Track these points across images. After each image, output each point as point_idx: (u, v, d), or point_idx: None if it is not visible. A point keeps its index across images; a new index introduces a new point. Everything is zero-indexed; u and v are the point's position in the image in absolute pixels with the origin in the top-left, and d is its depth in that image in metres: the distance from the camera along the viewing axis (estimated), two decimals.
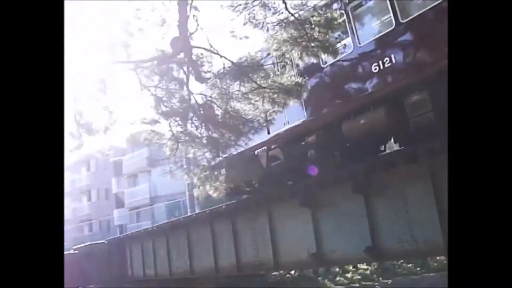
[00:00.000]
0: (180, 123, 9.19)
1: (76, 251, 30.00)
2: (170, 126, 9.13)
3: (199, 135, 9.15)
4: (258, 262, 16.11)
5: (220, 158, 9.12)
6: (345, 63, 11.37)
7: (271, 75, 9.00)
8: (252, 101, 9.16)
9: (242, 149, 9.32)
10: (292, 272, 25.16)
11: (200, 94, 9.11)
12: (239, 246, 16.67)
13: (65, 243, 40.81)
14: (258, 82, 8.88)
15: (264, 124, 9.21)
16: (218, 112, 9.19)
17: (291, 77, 9.22)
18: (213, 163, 9.16)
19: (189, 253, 19.52)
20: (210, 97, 9.10)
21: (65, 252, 32.98)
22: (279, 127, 11.15)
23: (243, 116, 9.20)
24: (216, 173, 9.16)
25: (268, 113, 9.21)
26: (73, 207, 54.69)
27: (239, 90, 9.05)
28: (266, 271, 21.49)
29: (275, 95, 9.05)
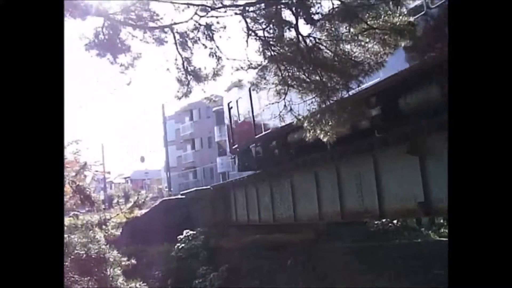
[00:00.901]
0: (288, 67, 9.04)
1: (183, 196, 31.50)
2: (279, 70, 9.01)
3: (307, 79, 8.96)
4: (363, 209, 16.01)
5: (331, 101, 8.91)
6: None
7: (382, 15, 8.54)
8: (362, 43, 8.78)
9: (352, 92, 9.04)
10: (395, 221, 24.78)
11: (308, 36, 8.85)
12: (343, 193, 16.64)
13: (172, 189, 42.88)
14: (369, 23, 8.47)
15: (375, 67, 8.81)
16: (327, 55, 8.91)
17: (403, 16, 8.71)
18: (323, 106, 8.97)
19: (293, 199, 19.77)
20: (319, 39, 8.83)
21: (173, 197, 34.87)
22: (390, 71, 10.75)
23: (352, 58, 8.86)
24: (326, 116, 8.98)
25: (379, 55, 8.81)
26: (178, 155, 57.24)
27: (348, 32, 8.69)
28: (370, 219, 21.36)
29: (386, 36, 8.61)
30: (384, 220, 22.77)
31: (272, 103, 9.58)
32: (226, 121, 28.64)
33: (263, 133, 22.04)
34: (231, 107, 26.80)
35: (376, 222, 23.94)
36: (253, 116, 23.45)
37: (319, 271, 21.54)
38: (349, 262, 20.75)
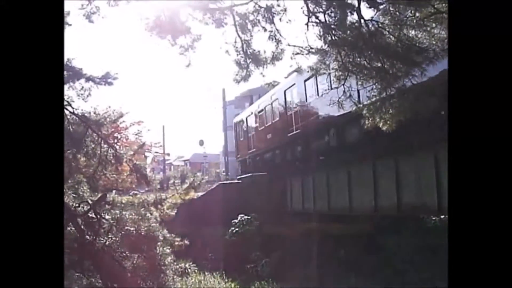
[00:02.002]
0: (349, 52, 8.77)
1: (240, 181, 31.69)
2: (339, 55, 8.75)
3: (368, 65, 8.66)
4: (421, 204, 15.56)
5: (392, 89, 8.58)
6: None
7: None
8: (428, 28, 8.38)
9: (417, 80, 8.65)
10: None
11: (371, 20, 8.55)
12: (401, 187, 16.22)
13: (229, 173, 43.98)
14: (436, 6, 8.06)
15: (441, 54, 8.37)
16: (390, 40, 8.57)
17: None
18: (384, 94, 8.64)
19: (349, 190, 19.47)
20: (382, 24, 8.51)
21: (229, 181, 35.26)
22: None
23: (417, 44, 8.48)
24: (387, 104, 8.66)
25: (445, 41, 8.36)
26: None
27: (413, 16, 8.32)
28: (427, 215, 20.74)
29: None
30: (442, 216, 22.05)
31: (331, 89, 9.34)
32: (234, 136, 40.36)
33: (253, 150, 32.67)
34: (237, 126, 38.01)
35: (433, 218, 23.25)
36: (248, 135, 34.43)
37: (373, 265, 21.15)
38: (405, 258, 20.26)
